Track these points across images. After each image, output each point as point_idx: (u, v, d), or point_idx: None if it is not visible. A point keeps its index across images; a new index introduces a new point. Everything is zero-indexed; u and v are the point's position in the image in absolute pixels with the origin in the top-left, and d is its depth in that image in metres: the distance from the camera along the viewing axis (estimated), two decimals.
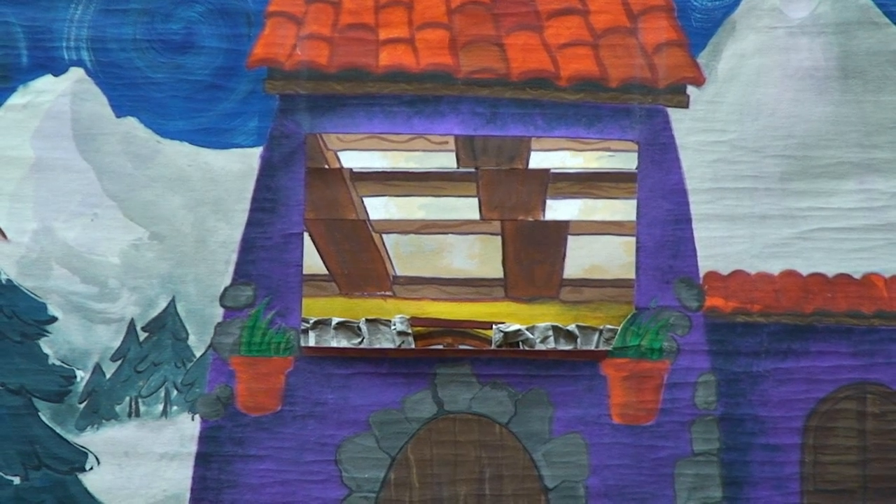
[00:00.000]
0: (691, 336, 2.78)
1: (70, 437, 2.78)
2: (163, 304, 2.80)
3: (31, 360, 2.78)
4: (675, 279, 2.79)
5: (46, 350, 2.78)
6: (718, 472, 2.77)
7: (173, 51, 2.81)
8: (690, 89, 2.81)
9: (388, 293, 2.78)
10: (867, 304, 2.78)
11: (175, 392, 2.79)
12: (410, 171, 2.80)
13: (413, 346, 2.75)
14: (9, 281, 2.78)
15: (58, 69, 2.81)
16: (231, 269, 2.79)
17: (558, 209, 2.81)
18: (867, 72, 2.81)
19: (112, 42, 2.81)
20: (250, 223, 2.80)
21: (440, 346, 2.76)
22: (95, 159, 2.80)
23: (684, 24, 2.81)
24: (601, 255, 2.80)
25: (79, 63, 2.81)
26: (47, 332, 2.79)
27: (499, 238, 2.80)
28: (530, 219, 2.80)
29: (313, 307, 2.78)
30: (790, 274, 2.79)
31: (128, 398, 2.79)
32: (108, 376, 2.79)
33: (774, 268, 2.79)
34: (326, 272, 2.79)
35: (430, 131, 2.79)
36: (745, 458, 2.77)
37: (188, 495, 2.77)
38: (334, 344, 2.77)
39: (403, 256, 2.79)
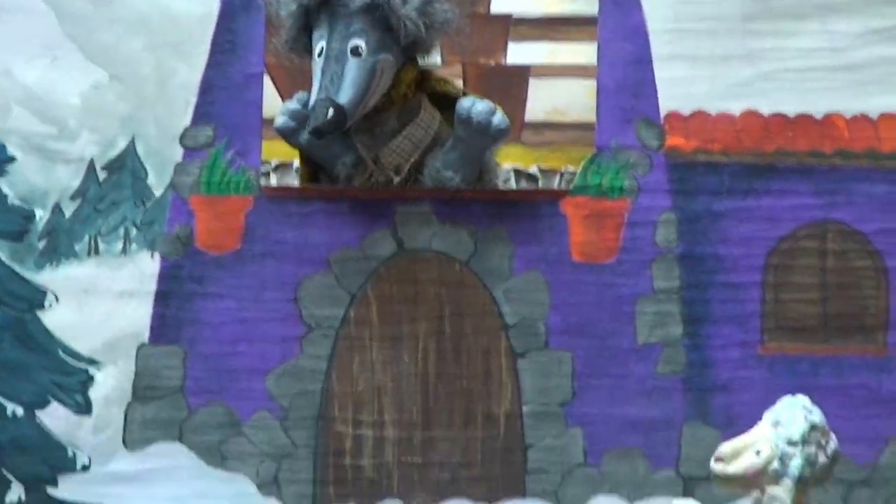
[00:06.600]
0: (652, 175, 2.77)
1: (29, 276, 2.76)
2: (122, 145, 2.79)
3: None
4: (637, 119, 2.77)
5: (6, 190, 2.77)
6: (679, 310, 2.75)
7: None
8: None
9: None
10: (828, 143, 2.77)
11: (134, 231, 2.78)
12: None
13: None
14: None
15: None
16: (191, 109, 2.78)
17: (520, 53, 2.80)
18: None
19: None
20: (210, 65, 2.78)
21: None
22: (55, 1, 2.79)
23: None
24: (563, 98, 2.79)
25: None
26: (6, 171, 2.77)
27: (460, 81, 2.79)
28: (492, 63, 2.80)
29: (274, 150, 2.76)
30: (751, 114, 2.78)
31: (87, 236, 2.78)
32: (67, 215, 2.78)
33: (736, 108, 2.78)
34: None
35: None
36: (706, 296, 2.76)
37: (147, 333, 2.76)
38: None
39: None
